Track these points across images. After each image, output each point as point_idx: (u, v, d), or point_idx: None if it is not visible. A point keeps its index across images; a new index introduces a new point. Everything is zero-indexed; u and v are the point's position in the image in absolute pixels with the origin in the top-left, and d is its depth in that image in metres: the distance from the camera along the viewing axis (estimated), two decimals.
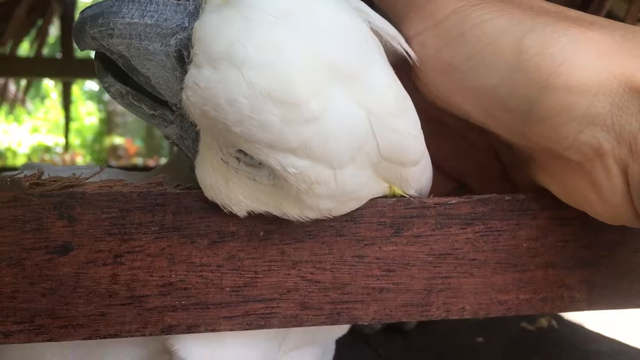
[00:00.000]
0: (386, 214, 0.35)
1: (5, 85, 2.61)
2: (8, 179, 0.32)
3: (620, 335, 0.67)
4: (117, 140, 6.69)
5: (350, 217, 0.35)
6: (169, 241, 0.34)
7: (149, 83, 0.31)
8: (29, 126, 6.86)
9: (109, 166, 0.59)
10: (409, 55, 0.34)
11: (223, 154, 0.30)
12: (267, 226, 0.35)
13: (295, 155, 0.28)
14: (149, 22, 0.30)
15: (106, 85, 0.33)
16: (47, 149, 6.50)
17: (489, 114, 0.33)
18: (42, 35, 2.19)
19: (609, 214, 0.33)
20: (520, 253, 0.37)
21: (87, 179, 0.34)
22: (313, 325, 0.35)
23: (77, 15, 0.35)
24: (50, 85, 6.83)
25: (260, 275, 0.35)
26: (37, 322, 0.33)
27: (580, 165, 0.32)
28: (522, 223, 0.37)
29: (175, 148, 0.41)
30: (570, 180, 0.33)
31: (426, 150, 0.34)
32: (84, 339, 0.33)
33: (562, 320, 0.74)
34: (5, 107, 2.94)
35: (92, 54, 0.33)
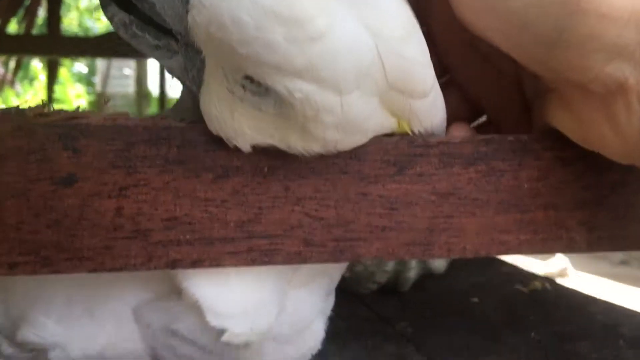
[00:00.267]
0: (390, 152, 0.36)
1: None
2: (12, 110, 0.32)
3: (611, 299, 0.68)
4: None
5: (354, 155, 0.35)
6: (173, 175, 0.34)
7: (153, 10, 0.31)
8: None
9: None
10: None
11: (228, 82, 0.30)
12: (271, 162, 0.35)
13: (301, 78, 0.28)
14: None
15: (109, 14, 0.32)
16: None
17: (515, 41, 0.33)
18: (30, 14, 2.17)
19: (622, 151, 0.33)
20: (521, 194, 0.37)
21: (91, 112, 0.34)
22: (316, 262, 0.36)
23: None
24: (38, 68, 6.76)
25: (264, 211, 0.35)
26: (43, 254, 0.33)
27: (601, 98, 0.32)
28: (524, 163, 0.37)
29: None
30: (588, 114, 0.33)
31: (437, 85, 0.34)
32: (89, 272, 0.33)
33: (555, 284, 0.75)
34: None
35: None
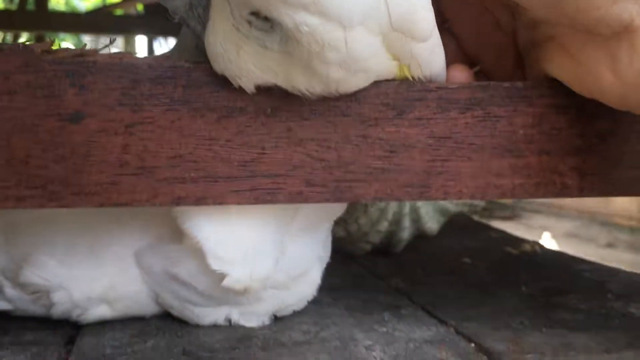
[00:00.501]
0: (390, 95, 0.37)
1: None
2: (20, 45, 0.33)
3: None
4: None
5: (355, 98, 0.36)
6: (178, 114, 0.35)
7: None
8: None
9: None
10: None
11: (235, 18, 0.31)
12: (274, 103, 0.35)
13: (308, 11, 0.29)
14: None
15: None
16: None
17: None
18: None
19: (619, 95, 0.34)
20: (516, 139, 0.38)
21: (98, 50, 0.34)
22: (317, 202, 0.37)
23: None
24: None
25: (267, 151, 0.36)
26: (50, 188, 0.34)
27: (604, 41, 0.33)
28: (519, 110, 0.38)
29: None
30: (588, 58, 0.34)
31: (437, 32, 0.35)
32: (96, 207, 0.34)
33: (544, 248, 0.77)
34: None
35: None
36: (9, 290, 0.45)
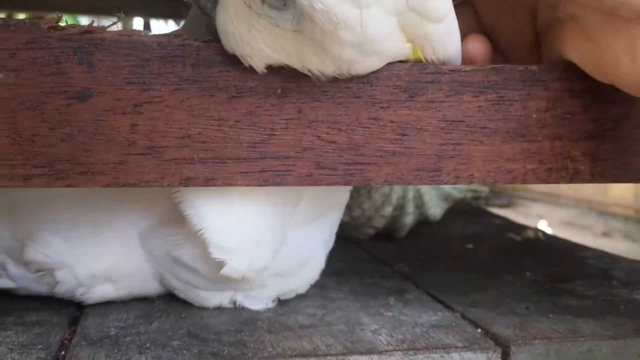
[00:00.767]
0: (402, 77, 0.36)
1: None
2: (27, 21, 0.32)
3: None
4: None
5: (367, 80, 0.36)
6: (187, 93, 0.34)
7: None
8: None
9: None
10: None
11: None
12: (285, 84, 0.35)
13: None
14: None
15: None
16: None
17: None
18: None
19: (636, 80, 0.33)
20: (529, 123, 0.38)
21: (105, 27, 0.34)
22: (327, 184, 0.36)
23: None
24: None
25: (277, 133, 0.35)
26: (57, 167, 0.33)
27: (626, 25, 0.33)
28: (533, 94, 0.38)
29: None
30: (608, 42, 0.34)
31: (453, 14, 0.34)
32: (103, 186, 0.34)
33: (547, 235, 0.77)
34: None
35: None
36: (13, 269, 0.44)
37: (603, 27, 0.34)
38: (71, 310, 0.46)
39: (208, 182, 0.35)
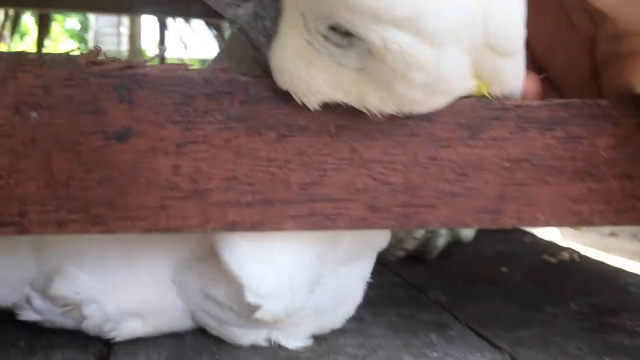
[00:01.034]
0: (465, 114, 0.33)
1: None
2: (64, 55, 0.29)
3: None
4: None
5: (426, 117, 0.33)
6: (234, 132, 0.31)
7: None
8: None
9: None
10: None
11: (309, 32, 0.28)
12: (338, 121, 0.32)
13: (399, 27, 0.25)
14: None
15: None
16: None
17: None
18: None
19: None
20: (597, 162, 0.35)
21: (147, 61, 0.31)
22: (381, 228, 0.34)
23: None
24: (29, 23, 6.62)
25: (329, 174, 0.33)
26: (93, 212, 0.31)
27: None
28: (602, 130, 0.35)
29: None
30: None
31: (523, 46, 0.31)
32: (143, 232, 0.31)
33: (582, 256, 0.74)
34: None
35: None
36: (38, 302, 0.42)
37: None
38: (98, 347, 0.43)
39: (255, 226, 0.32)
